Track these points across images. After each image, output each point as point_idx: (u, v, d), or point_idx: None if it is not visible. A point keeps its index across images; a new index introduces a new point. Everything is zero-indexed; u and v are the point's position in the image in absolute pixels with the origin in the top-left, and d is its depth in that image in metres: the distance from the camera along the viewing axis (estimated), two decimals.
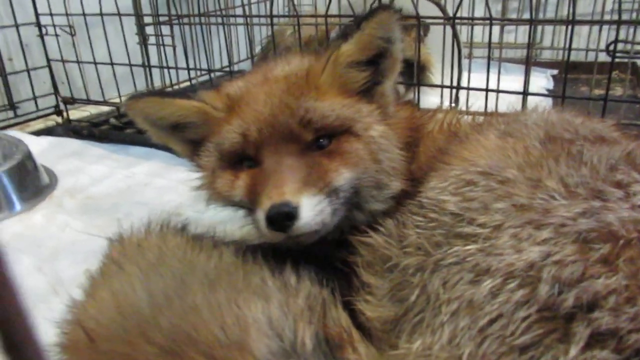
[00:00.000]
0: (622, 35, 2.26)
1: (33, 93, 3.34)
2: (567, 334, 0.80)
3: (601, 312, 0.79)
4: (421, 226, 1.08)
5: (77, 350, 1.08)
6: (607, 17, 3.51)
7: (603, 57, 2.54)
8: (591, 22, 3.31)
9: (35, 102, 3.38)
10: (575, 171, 1.02)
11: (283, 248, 1.36)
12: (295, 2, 2.62)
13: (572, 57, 2.76)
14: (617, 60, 2.11)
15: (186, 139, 1.62)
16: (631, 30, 3.37)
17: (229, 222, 2.02)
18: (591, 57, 3.57)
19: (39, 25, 3.24)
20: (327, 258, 1.29)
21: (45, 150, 2.98)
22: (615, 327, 0.78)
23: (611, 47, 2.02)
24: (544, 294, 0.84)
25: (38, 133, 3.28)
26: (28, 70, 3.31)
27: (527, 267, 0.88)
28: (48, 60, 3.37)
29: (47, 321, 1.21)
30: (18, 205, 2.34)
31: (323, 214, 1.31)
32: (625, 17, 2.98)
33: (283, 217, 1.25)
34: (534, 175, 1.04)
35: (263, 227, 1.31)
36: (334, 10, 2.63)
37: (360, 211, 1.47)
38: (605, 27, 3.49)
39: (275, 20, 2.71)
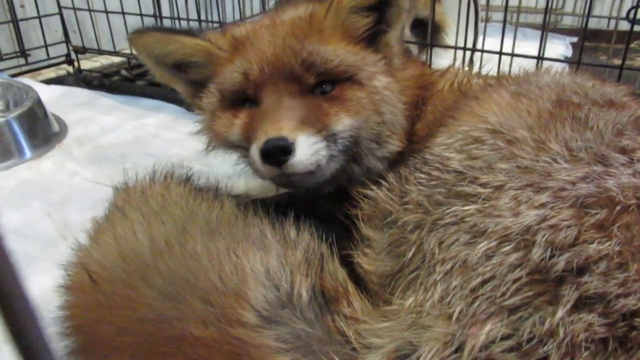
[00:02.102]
0: None
1: (44, 41, 3.32)
2: (555, 297, 0.81)
3: (591, 277, 0.80)
4: (423, 183, 1.09)
5: (81, 292, 1.12)
6: None
7: (625, 26, 2.46)
8: None
9: (47, 50, 3.36)
10: (579, 135, 1.01)
11: (285, 201, 1.38)
12: None
13: (593, 25, 2.68)
14: (637, 28, 2.05)
15: (189, 79, 1.62)
16: None
17: (234, 176, 2.04)
18: (613, 25, 3.47)
19: None
20: (329, 213, 1.30)
21: (55, 99, 2.99)
22: (604, 291, 0.78)
23: (631, 14, 1.96)
24: (536, 258, 0.85)
25: (49, 82, 3.28)
26: (39, 17, 3.28)
27: (522, 231, 0.89)
28: (60, 7, 3.34)
29: (54, 264, 1.26)
30: (28, 152, 2.36)
31: (318, 155, 1.31)
32: None
33: (278, 150, 1.26)
34: (540, 137, 1.03)
35: (258, 162, 1.32)
36: None
37: (358, 165, 1.48)
38: None
39: None
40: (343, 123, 1.38)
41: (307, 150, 1.29)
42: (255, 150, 1.31)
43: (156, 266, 1.01)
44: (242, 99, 1.47)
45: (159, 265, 1.01)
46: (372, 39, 1.50)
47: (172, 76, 1.63)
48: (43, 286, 1.48)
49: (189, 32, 1.58)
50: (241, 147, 1.50)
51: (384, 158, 1.48)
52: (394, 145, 1.46)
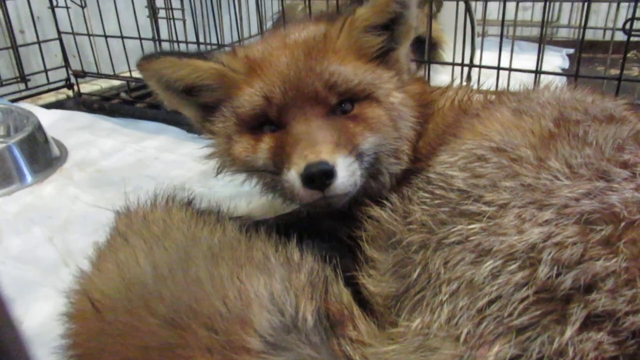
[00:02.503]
0: (639, 14, 2.19)
1: (44, 66, 3.35)
2: (563, 315, 0.80)
3: (598, 294, 0.79)
4: (427, 202, 1.08)
5: (84, 320, 1.10)
6: None
7: (620, 37, 2.48)
8: None
9: (47, 75, 3.39)
10: (579, 152, 1.01)
11: (287, 221, 1.37)
12: None
13: (590, 36, 2.69)
14: (634, 39, 2.06)
15: (199, 103, 1.58)
16: None
17: (236, 197, 2.04)
18: (609, 36, 3.50)
19: None
20: (330, 231, 1.30)
21: (56, 123, 3.00)
22: (613, 309, 0.78)
23: (627, 26, 1.97)
24: (542, 276, 0.84)
25: (49, 106, 3.30)
26: (39, 43, 3.31)
27: (528, 249, 0.88)
28: (59, 32, 3.37)
29: (56, 291, 1.25)
30: (29, 177, 2.36)
31: (355, 176, 1.34)
32: None
33: (322, 175, 1.27)
34: (541, 155, 1.03)
35: (297, 187, 1.31)
36: None
37: (375, 180, 1.50)
38: (624, 5, 3.41)
39: None
40: (368, 141, 1.41)
41: (346, 172, 1.31)
42: (294, 175, 1.30)
43: (159, 293, 1.00)
44: (262, 122, 1.45)
45: (162, 292, 1.00)
46: (383, 56, 1.52)
47: (182, 101, 1.59)
48: (45, 313, 1.47)
49: (199, 55, 1.54)
50: (266, 171, 1.48)
51: (395, 174, 1.50)
52: (406, 160, 1.49)
